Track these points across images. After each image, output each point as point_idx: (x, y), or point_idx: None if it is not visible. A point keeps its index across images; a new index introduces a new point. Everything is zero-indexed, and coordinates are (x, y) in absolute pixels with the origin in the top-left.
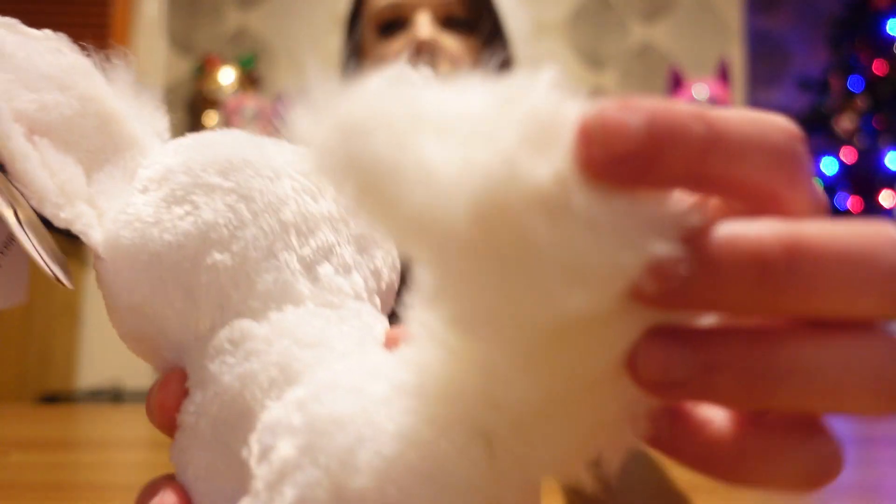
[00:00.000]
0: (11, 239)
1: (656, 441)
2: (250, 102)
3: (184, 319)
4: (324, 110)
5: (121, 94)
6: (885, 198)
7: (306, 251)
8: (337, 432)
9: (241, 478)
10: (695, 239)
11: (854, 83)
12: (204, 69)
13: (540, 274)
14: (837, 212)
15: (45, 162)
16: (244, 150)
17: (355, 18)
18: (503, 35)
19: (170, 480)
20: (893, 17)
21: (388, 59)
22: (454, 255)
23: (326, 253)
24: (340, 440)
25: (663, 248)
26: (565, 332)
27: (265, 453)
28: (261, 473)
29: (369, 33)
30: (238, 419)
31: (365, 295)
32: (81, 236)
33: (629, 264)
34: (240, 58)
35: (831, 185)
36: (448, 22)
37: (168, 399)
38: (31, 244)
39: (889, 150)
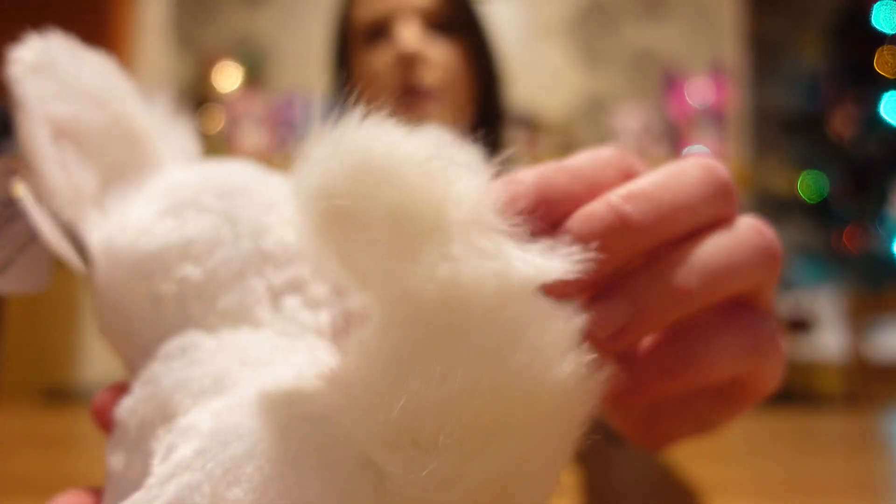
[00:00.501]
0: (35, 235)
1: (621, 392)
2: (255, 104)
3: (148, 323)
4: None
5: (155, 118)
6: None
7: (277, 281)
8: (233, 443)
9: (147, 474)
10: (577, 240)
11: (848, 84)
12: (208, 71)
13: (446, 242)
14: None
15: (63, 163)
16: (248, 179)
17: (341, 28)
18: (489, 39)
19: (82, 487)
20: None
21: (374, 72)
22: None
23: (297, 286)
24: (232, 451)
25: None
26: (459, 325)
27: (168, 453)
28: (157, 471)
29: (356, 43)
30: (161, 421)
31: (328, 333)
32: (82, 235)
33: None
34: (245, 59)
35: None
36: (434, 27)
37: (102, 402)
38: (48, 229)
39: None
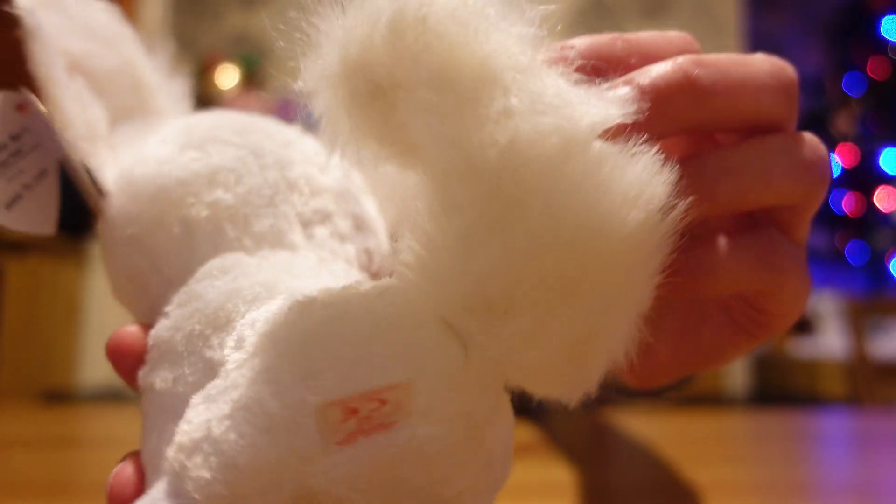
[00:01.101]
0: (43, 173)
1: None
2: (253, 103)
3: (179, 251)
4: None
5: (157, 70)
6: (881, 197)
7: (305, 210)
8: (314, 312)
9: (209, 380)
10: (639, 91)
11: (850, 84)
12: (206, 70)
13: (503, 94)
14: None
15: (77, 95)
16: (261, 120)
17: None
18: None
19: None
20: (888, 16)
21: None
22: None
23: (324, 218)
24: (316, 317)
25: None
26: (526, 179)
27: (240, 343)
28: (232, 358)
29: None
30: (215, 329)
31: (356, 265)
32: (95, 171)
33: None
34: (243, 59)
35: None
36: None
37: (126, 335)
38: (79, 163)
39: (885, 149)
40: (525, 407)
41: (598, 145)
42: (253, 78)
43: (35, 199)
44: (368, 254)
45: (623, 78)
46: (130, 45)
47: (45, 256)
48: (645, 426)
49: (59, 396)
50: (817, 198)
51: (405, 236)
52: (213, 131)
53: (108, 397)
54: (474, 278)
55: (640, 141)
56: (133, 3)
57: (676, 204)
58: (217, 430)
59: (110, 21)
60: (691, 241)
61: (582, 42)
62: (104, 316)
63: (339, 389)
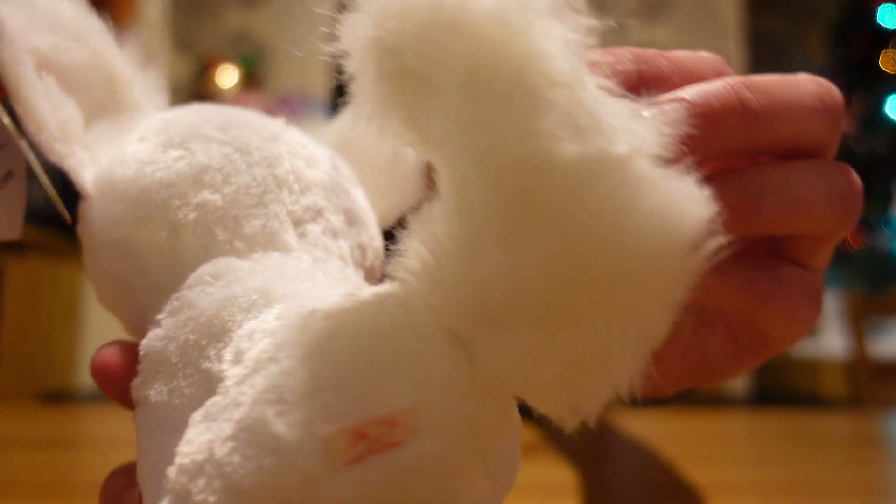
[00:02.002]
0: (10, 175)
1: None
2: (253, 103)
3: (166, 256)
4: None
5: (129, 62)
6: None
7: (296, 208)
8: (313, 326)
9: (207, 393)
10: (691, 109)
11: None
12: (206, 70)
13: (533, 112)
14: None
15: (48, 94)
16: (243, 114)
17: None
18: None
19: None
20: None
21: None
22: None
23: (315, 214)
24: (316, 331)
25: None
26: (548, 196)
27: (239, 356)
28: (231, 373)
29: None
30: (210, 340)
31: (350, 262)
32: (72, 173)
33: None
34: (242, 58)
35: None
36: None
37: (110, 357)
38: (41, 172)
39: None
40: (526, 408)
41: (627, 170)
42: (252, 78)
43: (1, 203)
44: (362, 249)
45: (669, 95)
46: (100, 38)
47: (45, 257)
48: (645, 426)
49: (59, 397)
50: (845, 229)
51: (410, 239)
52: (195, 128)
53: (107, 398)
54: (477, 287)
55: (680, 166)
56: (133, 3)
57: (709, 236)
58: (220, 451)
59: (77, 14)
60: None
61: (628, 52)
62: (104, 316)
63: (347, 414)
